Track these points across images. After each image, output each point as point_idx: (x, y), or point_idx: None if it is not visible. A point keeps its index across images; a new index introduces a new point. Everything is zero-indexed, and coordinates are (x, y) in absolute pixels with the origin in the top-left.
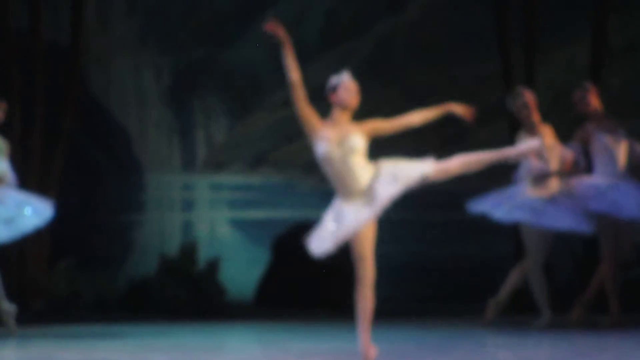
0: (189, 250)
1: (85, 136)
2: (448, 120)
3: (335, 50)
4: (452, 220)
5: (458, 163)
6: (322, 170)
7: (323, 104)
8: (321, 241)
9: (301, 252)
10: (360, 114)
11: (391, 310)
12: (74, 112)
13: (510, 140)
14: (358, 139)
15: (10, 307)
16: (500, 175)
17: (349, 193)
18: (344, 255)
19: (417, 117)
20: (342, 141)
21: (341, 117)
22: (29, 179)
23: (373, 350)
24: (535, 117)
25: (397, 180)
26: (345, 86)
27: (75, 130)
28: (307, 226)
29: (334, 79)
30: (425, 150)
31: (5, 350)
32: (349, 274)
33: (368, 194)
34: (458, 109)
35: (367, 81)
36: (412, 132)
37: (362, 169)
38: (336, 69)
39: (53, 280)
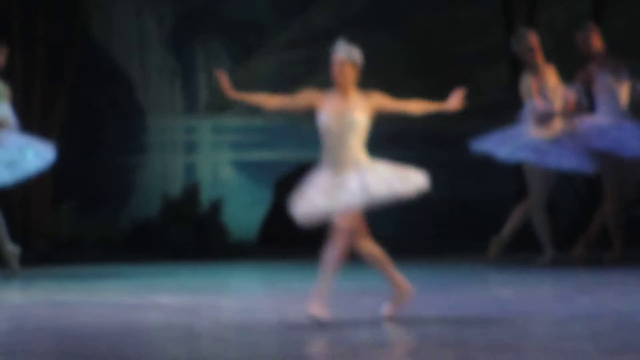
0: (191, 192)
1: (87, 80)
2: (449, 62)
3: None
4: (456, 160)
5: (415, 108)
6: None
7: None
8: (307, 213)
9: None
10: (366, 60)
11: (397, 249)
12: (76, 57)
13: (512, 82)
14: (359, 116)
15: (14, 249)
16: (503, 115)
17: (338, 166)
18: None
19: (417, 108)
20: (343, 115)
21: (344, 90)
22: (31, 123)
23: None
24: (540, 58)
25: (390, 187)
26: (334, 62)
27: (77, 75)
28: (309, 167)
29: (332, 50)
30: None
31: (10, 290)
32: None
33: (362, 181)
34: (453, 104)
35: (370, 25)
36: (414, 72)
37: (356, 146)
38: (340, 13)
39: (56, 221)
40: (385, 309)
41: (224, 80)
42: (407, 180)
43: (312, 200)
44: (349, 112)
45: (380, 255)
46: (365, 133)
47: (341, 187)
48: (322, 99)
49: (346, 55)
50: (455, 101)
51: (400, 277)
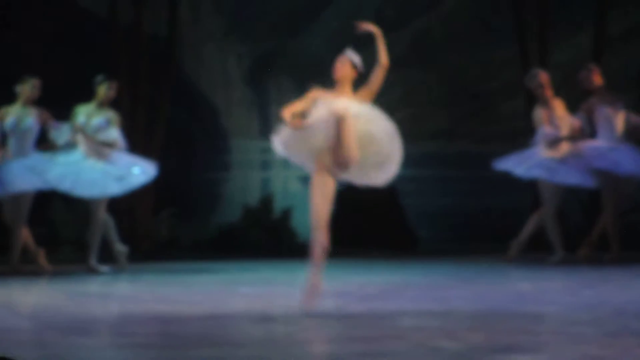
0: (267, 202)
1: (181, 111)
2: (474, 96)
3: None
4: (481, 176)
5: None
6: None
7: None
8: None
9: (357, 202)
10: (405, 93)
11: (430, 250)
12: (171, 91)
13: (527, 113)
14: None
15: (123, 248)
16: (520, 140)
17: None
18: (394, 204)
19: (381, 59)
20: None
21: (342, 89)
22: (136, 145)
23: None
24: (549, 93)
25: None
26: (337, 60)
27: (172, 106)
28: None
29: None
30: (455, 121)
31: (120, 283)
32: (396, 220)
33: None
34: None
35: (409, 64)
36: (445, 103)
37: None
38: (388, 53)
39: (157, 226)
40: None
41: (289, 116)
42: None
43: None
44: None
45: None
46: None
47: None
48: (323, 94)
49: (348, 56)
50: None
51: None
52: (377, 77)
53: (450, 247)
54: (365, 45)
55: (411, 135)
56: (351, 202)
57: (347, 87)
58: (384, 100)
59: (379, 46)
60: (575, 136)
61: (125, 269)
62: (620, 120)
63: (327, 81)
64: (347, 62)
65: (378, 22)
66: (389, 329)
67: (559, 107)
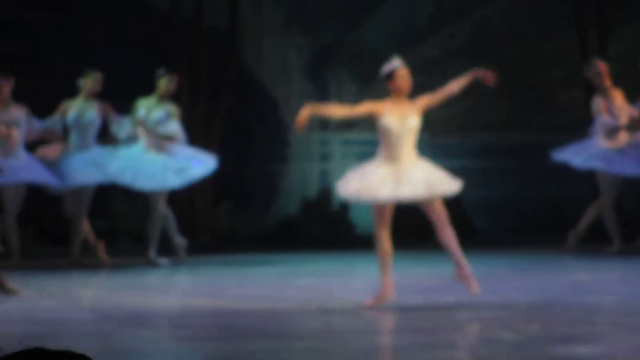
0: (325, 194)
1: (241, 103)
2: (534, 86)
3: (443, 30)
4: (540, 167)
5: (454, 89)
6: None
7: (434, 73)
8: (345, 187)
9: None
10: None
11: (488, 240)
12: (232, 84)
13: (586, 103)
14: (415, 119)
15: (182, 241)
16: (579, 130)
17: (395, 161)
18: (453, 198)
19: (455, 87)
20: (404, 119)
21: (400, 98)
22: (196, 137)
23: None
24: (607, 82)
25: (427, 186)
26: (401, 75)
27: (232, 99)
28: None
29: (387, 67)
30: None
31: (179, 275)
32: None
33: (405, 177)
34: (481, 74)
35: (469, 55)
36: (504, 94)
37: (410, 146)
38: (446, 46)
39: (216, 218)
40: (366, 301)
41: (302, 117)
42: (444, 182)
43: (374, 185)
44: (409, 117)
45: (386, 253)
46: (417, 133)
47: (404, 178)
48: (381, 107)
49: (406, 66)
50: (483, 73)
51: (389, 281)
52: (442, 96)
53: (508, 238)
54: (425, 38)
55: (470, 126)
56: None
57: (405, 98)
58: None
59: (467, 79)
60: (634, 126)
61: (184, 262)
62: None
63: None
64: (409, 73)
65: (438, 12)
66: (447, 321)
67: (617, 96)
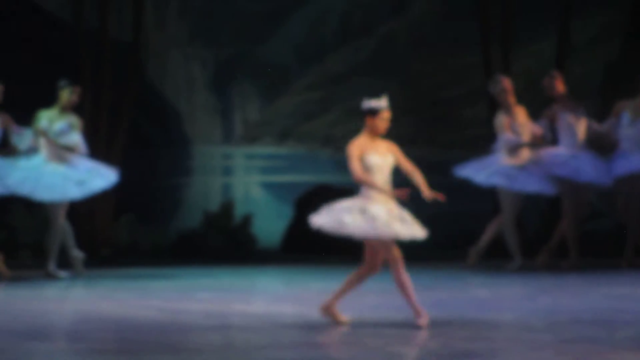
0: (227, 208)
1: (144, 116)
2: (438, 102)
3: (348, 45)
4: (442, 183)
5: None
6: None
7: (338, 88)
8: (325, 219)
9: (318, 209)
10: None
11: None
12: (135, 96)
13: (489, 119)
14: (392, 157)
15: (79, 254)
16: (481, 147)
17: (376, 198)
18: None
19: (415, 176)
20: (385, 156)
21: (375, 137)
22: (98, 150)
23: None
24: (512, 99)
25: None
26: (384, 116)
27: (135, 111)
28: (324, 188)
29: (374, 103)
30: (417, 127)
31: (76, 289)
32: None
33: (400, 217)
34: (427, 194)
35: (373, 71)
36: (409, 110)
37: (388, 181)
38: (350, 61)
39: (117, 231)
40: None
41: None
42: (411, 227)
43: (340, 213)
44: (388, 155)
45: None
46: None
47: (399, 217)
48: (366, 145)
49: (387, 107)
50: (430, 195)
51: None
52: (406, 169)
53: (409, 253)
54: (330, 53)
55: None
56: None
57: (378, 137)
58: (346, 107)
59: (418, 180)
60: (536, 143)
61: (82, 275)
62: (581, 127)
63: (291, 87)
64: (389, 115)
65: (343, 28)
66: (347, 336)
67: (520, 113)
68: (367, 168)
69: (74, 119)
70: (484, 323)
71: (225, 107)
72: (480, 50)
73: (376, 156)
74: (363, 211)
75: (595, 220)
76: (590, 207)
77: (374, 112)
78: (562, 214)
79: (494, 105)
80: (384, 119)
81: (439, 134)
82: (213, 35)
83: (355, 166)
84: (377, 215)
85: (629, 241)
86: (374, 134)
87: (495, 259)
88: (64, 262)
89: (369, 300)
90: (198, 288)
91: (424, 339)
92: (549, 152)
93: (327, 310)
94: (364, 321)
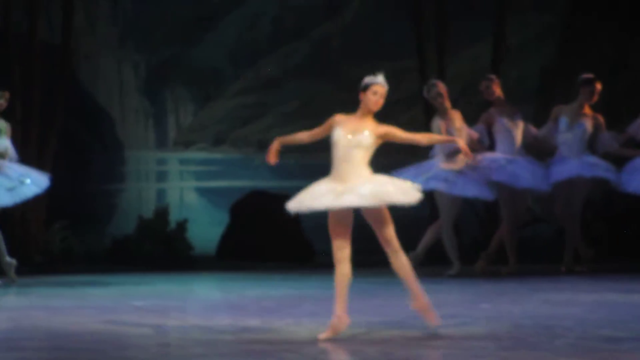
0: (162, 213)
1: (75, 120)
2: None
3: (281, 49)
4: None
5: (422, 139)
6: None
7: (272, 92)
8: (306, 205)
9: (254, 214)
10: (304, 103)
11: (327, 262)
12: (66, 101)
13: (425, 123)
14: (367, 136)
15: (11, 261)
16: (419, 151)
17: (342, 178)
18: (291, 217)
19: (424, 140)
20: (354, 133)
21: (365, 115)
22: (29, 155)
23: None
24: (447, 103)
25: (377, 197)
26: (373, 90)
27: (67, 116)
28: (259, 193)
29: (368, 79)
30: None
31: (8, 296)
32: (293, 233)
33: (352, 189)
34: (462, 145)
35: (307, 74)
36: (340, 110)
37: (360, 163)
38: (284, 65)
39: (49, 238)
40: (321, 335)
41: (273, 151)
42: (405, 192)
43: (315, 195)
44: (360, 132)
45: (343, 276)
46: (370, 151)
47: (347, 190)
48: (341, 120)
49: (387, 88)
50: (463, 145)
51: (343, 309)
52: (408, 138)
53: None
54: (263, 57)
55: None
56: (246, 215)
57: (371, 116)
58: (280, 111)
59: (444, 139)
60: (473, 148)
61: (14, 282)
62: (519, 132)
63: (225, 91)
64: (385, 95)
65: (276, 32)
66: (284, 343)
67: (456, 118)
68: (331, 144)
69: (2, 124)
70: (422, 330)
71: (158, 111)
72: (415, 54)
73: (343, 132)
74: (308, 189)
75: (534, 226)
76: (529, 213)
77: (365, 87)
78: (500, 219)
79: (430, 109)
80: (374, 93)
81: None
82: (145, 39)
83: (306, 133)
84: (310, 190)
85: (567, 247)
86: (366, 110)
87: (433, 265)
88: None
89: (306, 305)
90: (133, 296)
91: (362, 345)
92: (486, 157)
93: (421, 309)
94: (302, 327)
